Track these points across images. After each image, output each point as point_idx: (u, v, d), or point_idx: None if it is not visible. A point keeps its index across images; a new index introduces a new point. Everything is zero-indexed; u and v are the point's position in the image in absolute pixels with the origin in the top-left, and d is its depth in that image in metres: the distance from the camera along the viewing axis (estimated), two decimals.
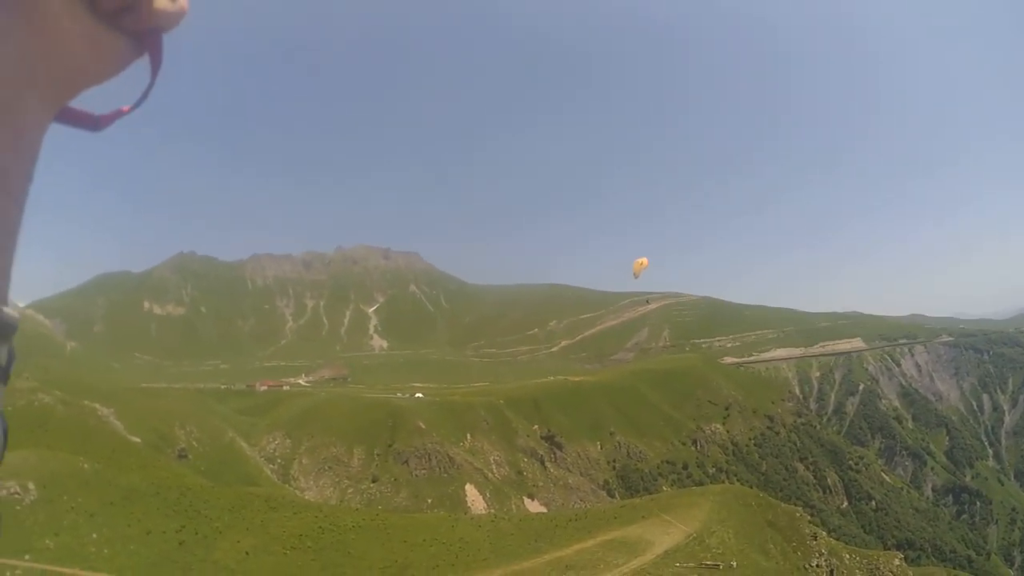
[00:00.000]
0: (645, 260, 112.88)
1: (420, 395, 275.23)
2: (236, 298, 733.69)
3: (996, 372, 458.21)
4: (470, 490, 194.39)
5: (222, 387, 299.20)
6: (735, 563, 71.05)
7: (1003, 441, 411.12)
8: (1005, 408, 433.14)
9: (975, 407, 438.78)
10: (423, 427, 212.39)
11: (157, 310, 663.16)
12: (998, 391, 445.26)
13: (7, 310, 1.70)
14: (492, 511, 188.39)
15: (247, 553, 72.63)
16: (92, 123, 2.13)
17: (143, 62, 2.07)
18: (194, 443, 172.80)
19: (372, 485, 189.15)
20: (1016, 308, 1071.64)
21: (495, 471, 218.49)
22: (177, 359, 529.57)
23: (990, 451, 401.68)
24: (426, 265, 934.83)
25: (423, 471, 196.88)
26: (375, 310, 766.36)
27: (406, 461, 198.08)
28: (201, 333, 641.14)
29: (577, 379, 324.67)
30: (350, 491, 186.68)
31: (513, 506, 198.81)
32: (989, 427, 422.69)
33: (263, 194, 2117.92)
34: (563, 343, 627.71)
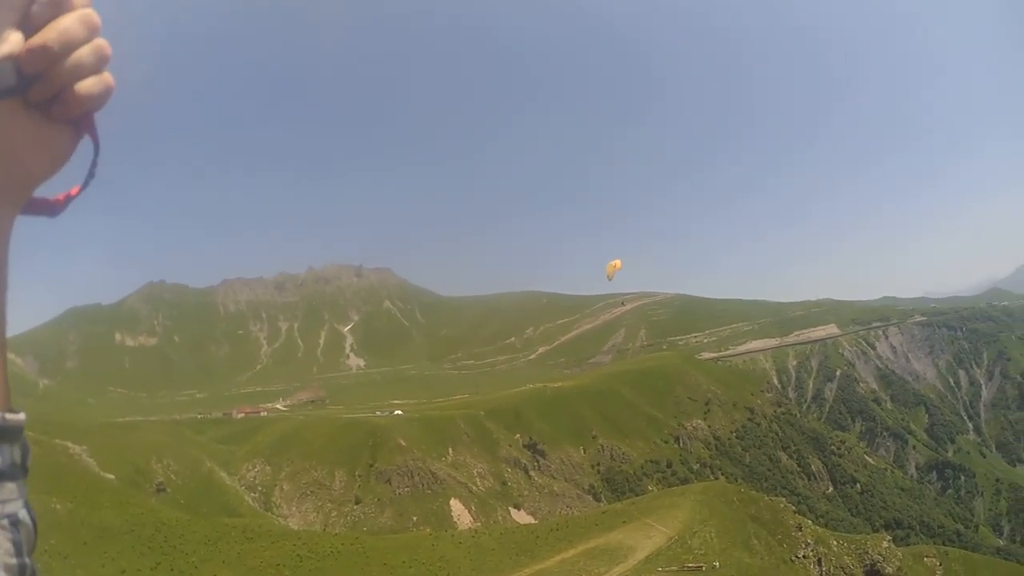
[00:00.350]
0: (618, 262, 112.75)
1: (399, 412, 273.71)
2: (209, 325, 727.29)
3: (970, 347, 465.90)
4: (455, 504, 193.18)
5: (199, 416, 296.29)
6: (718, 563, 70.42)
7: (982, 414, 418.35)
8: (982, 382, 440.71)
9: (952, 383, 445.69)
10: (404, 444, 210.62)
11: (130, 342, 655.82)
12: (974, 366, 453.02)
13: (10, 416, 1.79)
14: (478, 524, 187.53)
15: None
16: (49, 209, 2.18)
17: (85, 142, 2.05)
18: (172, 476, 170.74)
19: (356, 507, 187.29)
20: (985, 283, 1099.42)
21: (479, 484, 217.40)
22: (152, 391, 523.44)
23: (970, 425, 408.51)
24: (399, 280, 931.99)
25: (406, 489, 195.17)
26: (350, 329, 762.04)
27: (388, 480, 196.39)
28: (175, 363, 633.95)
29: (556, 385, 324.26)
30: (334, 514, 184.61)
31: (499, 517, 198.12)
32: (967, 402, 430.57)
33: (232, 217, 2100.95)
34: (541, 350, 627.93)
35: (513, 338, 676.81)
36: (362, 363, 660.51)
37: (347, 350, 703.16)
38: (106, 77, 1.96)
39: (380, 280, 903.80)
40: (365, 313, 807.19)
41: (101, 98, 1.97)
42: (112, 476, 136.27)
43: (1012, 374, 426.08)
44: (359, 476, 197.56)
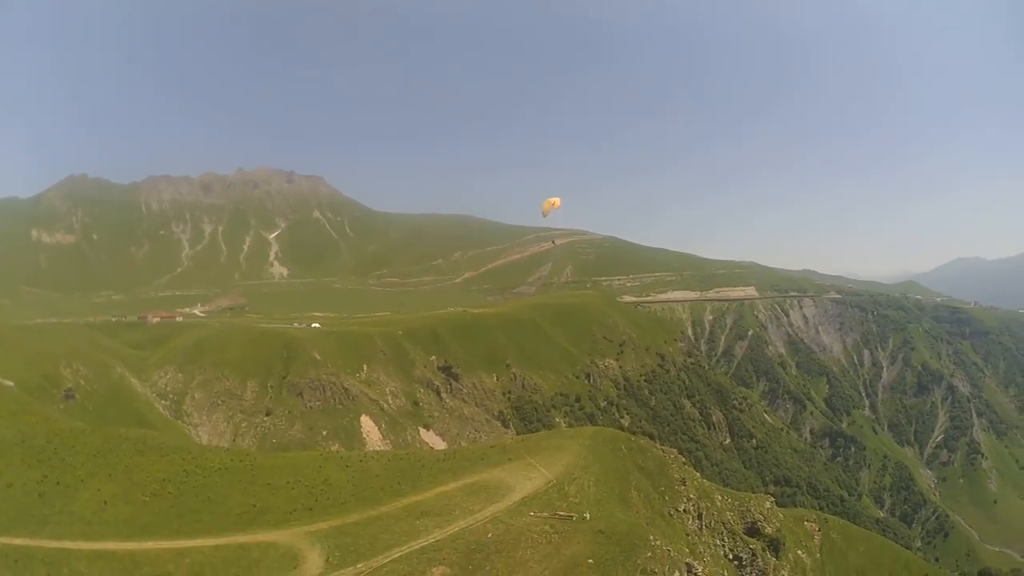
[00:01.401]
0: (557, 201, 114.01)
1: (317, 325, 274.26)
2: (130, 224, 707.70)
3: (878, 331, 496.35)
4: (365, 421, 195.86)
5: (113, 320, 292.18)
6: (588, 515, 72.45)
7: (879, 394, 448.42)
8: (884, 364, 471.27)
9: (856, 361, 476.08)
10: (318, 358, 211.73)
11: (46, 239, 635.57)
12: (879, 348, 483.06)
13: None
14: (387, 442, 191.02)
15: (105, 502, 71.76)
16: None
17: None
18: (81, 382, 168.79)
19: (266, 419, 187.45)
20: (904, 275, 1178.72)
21: (391, 402, 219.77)
22: (68, 291, 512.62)
23: (867, 402, 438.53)
24: (331, 190, 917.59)
25: (317, 403, 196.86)
26: (276, 236, 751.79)
27: (300, 393, 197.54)
28: (93, 263, 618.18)
29: (477, 311, 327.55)
30: (243, 426, 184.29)
31: (408, 437, 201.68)
32: (867, 380, 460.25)
33: (162, 108, 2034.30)
34: (467, 275, 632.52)
35: (440, 260, 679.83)
36: (285, 272, 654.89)
37: (271, 258, 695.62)
38: None
39: (311, 188, 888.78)
40: (293, 221, 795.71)
41: None
42: (11, 383, 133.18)
43: (913, 363, 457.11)
44: (271, 388, 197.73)
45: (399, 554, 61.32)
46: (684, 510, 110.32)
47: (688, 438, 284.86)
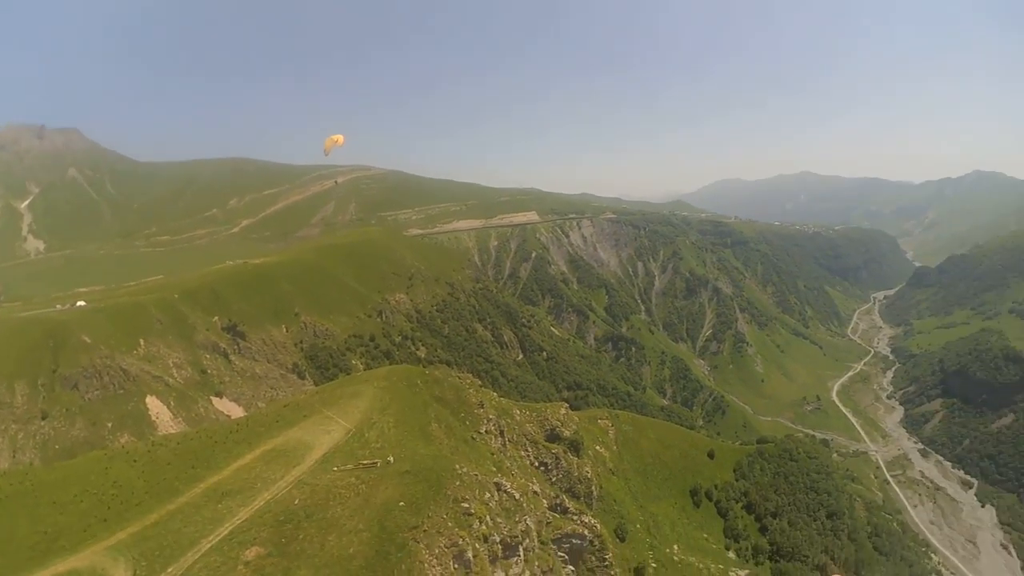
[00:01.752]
0: (340, 138, 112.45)
1: (82, 303, 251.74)
2: None
3: (650, 245, 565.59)
4: (152, 402, 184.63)
5: None
6: (392, 458, 73.55)
7: (653, 300, 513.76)
8: (656, 274, 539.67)
9: (631, 272, 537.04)
10: (88, 341, 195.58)
11: None
12: (651, 260, 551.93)
13: None
14: (180, 420, 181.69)
15: None
16: None
17: None
18: None
19: (43, 423, 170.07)
20: (671, 195, 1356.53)
21: (176, 375, 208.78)
22: None
23: (642, 307, 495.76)
24: (88, 143, 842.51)
25: (96, 393, 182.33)
26: (28, 204, 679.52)
27: (75, 385, 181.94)
28: None
29: (258, 261, 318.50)
30: (20, 436, 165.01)
31: (201, 409, 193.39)
32: (642, 289, 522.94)
33: None
34: (245, 223, 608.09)
35: (215, 210, 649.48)
36: (42, 246, 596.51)
37: (24, 232, 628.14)
38: None
39: (65, 143, 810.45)
40: (47, 185, 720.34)
41: None
42: None
43: (682, 270, 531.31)
44: (42, 386, 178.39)
45: (208, 545, 60.37)
46: (486, 431, 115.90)
47: (483, 359, 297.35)
